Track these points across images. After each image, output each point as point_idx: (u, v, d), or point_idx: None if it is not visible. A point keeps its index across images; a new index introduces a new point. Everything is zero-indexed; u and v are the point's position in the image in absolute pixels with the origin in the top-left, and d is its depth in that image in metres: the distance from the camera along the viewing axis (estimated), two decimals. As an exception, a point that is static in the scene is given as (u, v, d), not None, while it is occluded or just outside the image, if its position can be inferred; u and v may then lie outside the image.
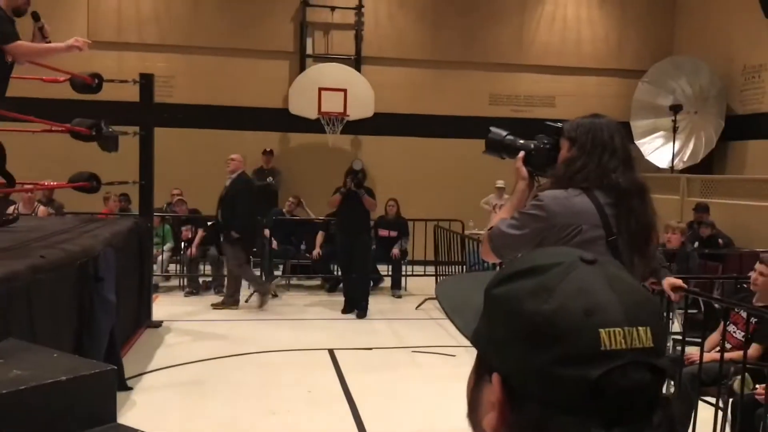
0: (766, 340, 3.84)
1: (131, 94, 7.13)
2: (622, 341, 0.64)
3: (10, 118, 4.92)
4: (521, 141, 2.65)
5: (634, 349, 0.64)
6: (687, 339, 4.19)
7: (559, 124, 2.54)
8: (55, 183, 7.06)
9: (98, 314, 4.64)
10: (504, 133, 2.71)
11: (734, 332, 4.05)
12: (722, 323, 3.98)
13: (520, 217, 2.35)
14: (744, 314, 3.97)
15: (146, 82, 6.94)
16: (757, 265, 4.01)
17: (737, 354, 3.75)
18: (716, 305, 4.74)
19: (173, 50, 11.15)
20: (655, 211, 2.37)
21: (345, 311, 7.80)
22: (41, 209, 8.17)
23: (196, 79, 11.17)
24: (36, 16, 4.39)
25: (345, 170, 7.94)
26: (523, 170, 2.57)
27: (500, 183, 10.05)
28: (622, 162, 2.33)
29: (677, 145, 11.04)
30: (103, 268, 4.84)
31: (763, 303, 3.90)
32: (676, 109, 10.74)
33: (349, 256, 7.76)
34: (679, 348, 4.35)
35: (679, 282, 3.74)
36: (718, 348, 3.90)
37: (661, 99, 11.46)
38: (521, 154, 2.60)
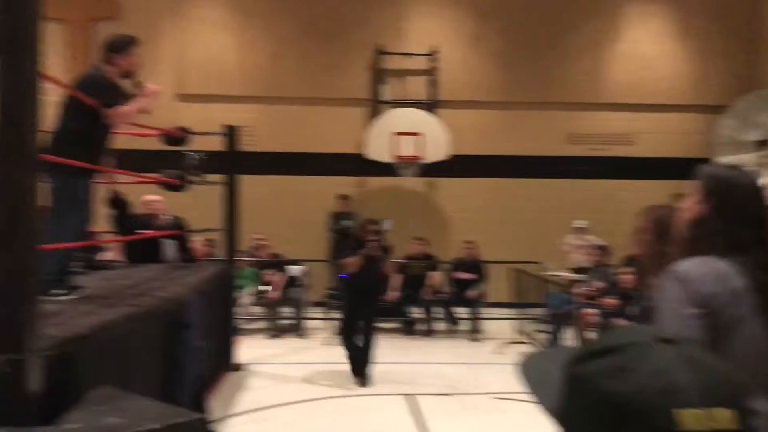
0: None
1: (217, 144, 7.46)
2: (700, 423, 0.65)
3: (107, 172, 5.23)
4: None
5: (714, 431, 0.65)
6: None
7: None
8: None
9: (186, 360, 4.81)
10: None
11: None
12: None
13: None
14: None
15: (231, 133, 7.24)
16: None
17: None
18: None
19: (255, 101, 11.60)
20: None
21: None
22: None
23: (276, 127, 11.56)
24: (139, 85, 4.68)
25: (364, 224, 7.06)
26: None
27: (579, 223, 9.89)
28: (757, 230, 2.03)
29: (766, 181, 10.59)
30: (191, 315, 5.04)
31: None
32: (763, 144, 10.36)
33: (357, 319, 6.84)
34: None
35: None
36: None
37: (746, 134, 11.07)
38: None
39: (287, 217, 11.10)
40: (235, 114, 11.35)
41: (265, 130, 11.53)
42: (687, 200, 2.12)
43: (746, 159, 11.03)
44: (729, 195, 2.04)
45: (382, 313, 9.57)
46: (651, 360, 0.69)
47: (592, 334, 7.10)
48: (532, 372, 0.85)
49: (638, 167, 11.78)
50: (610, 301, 7.06)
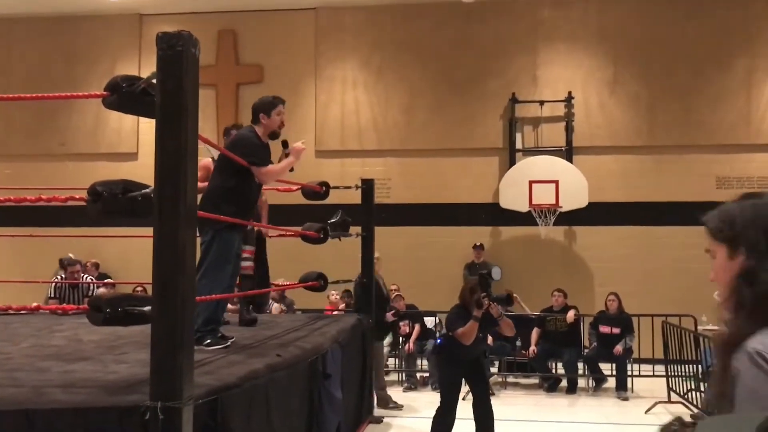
0: None
1: (354, 197, 7.64)
2: None
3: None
4: None
5: None
6: None
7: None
8: (289, 283, 7.65)
9: (326, 410, 4.86)
10: None
11: None
12: None
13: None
14: None
15: (367, 186, 7.41)
16: None
17: None
18: None
19: (390, 154, 11.85)
20: None
21: None
22: (274, 306, 8.87)
23: (410, 179, 11.72)
24: (285, 144, 4.93)
25: (477, 279, 5.88)
26: None
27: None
28: None
29: None
30: (331, 365, 5.10)
31: None
32: None
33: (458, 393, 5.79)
34: None
35: None
36: None
37: None
38: None
39: (422, 267, 11.10)
40: (371, 168, 11.67)
41: (399, 182, 11.71)
42: (714, 257, 1.63)
43: None
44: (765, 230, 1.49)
45: (522, 368, 9.29)
46: None
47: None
48: None
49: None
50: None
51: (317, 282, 6.73)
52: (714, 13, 11.22)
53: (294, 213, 8.28)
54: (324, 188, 6.68)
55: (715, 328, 8.05)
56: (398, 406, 7.77)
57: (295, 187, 6.88)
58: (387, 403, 7.74)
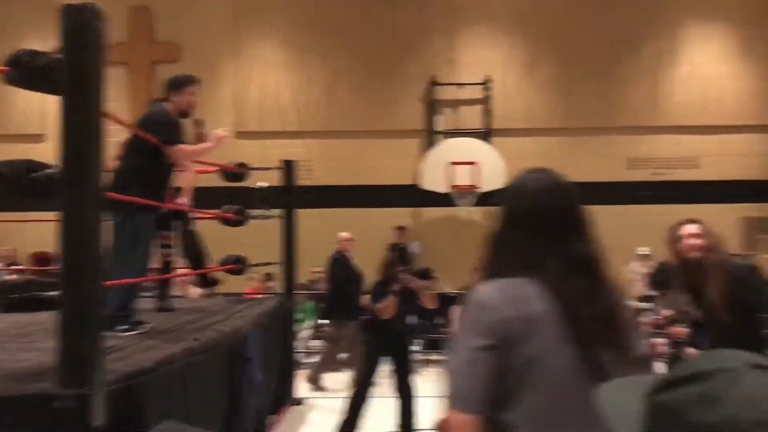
0: None
1: (274, 179, 7.55)
2: None
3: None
4: None
5: None
6: None
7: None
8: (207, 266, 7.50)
9: (246, 394, 4.82)
10: None
11: None
12: None
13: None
14: None
15: (288, 167, 7.34)
16: None
17: None
18: None
19: (311, 136, 11.77)
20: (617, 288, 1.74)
21: None
22: (194, 291, 8.69)
23: (332, 161, 11.68)
24: (199, 123, 4.76)
25: (392, 254, 5.81)
26: None
27: (643, 250, 9.60)
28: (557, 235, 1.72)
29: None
30: (251, 349, 5.05)
31: None
32: (838, 162, 9.91)
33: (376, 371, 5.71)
34: None
35: None
36: None
37: (819, 153, 10.63)
38: None
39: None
40: (293, 149, 11.55)
41: (321, 164, 11.65)
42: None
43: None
44: (518, 201, 1.78)
45: (435, 346, 9.46)
46: (742, 388, 0.62)
47: (661, 365, 6.82)
48: (612, 402, 0.79)
49: (703, 191, 11.40)
50: (680, 329, 6.78)
51: (236, 265, 6.63)
52: (624, -2, 11.61)
53: (213, 195, 8.13)
54: (243, 169, 6.57)
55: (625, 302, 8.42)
56: (322, 388, 7.81)
57: (213, 169, 6.74)
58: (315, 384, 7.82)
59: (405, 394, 5.73)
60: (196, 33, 11.73)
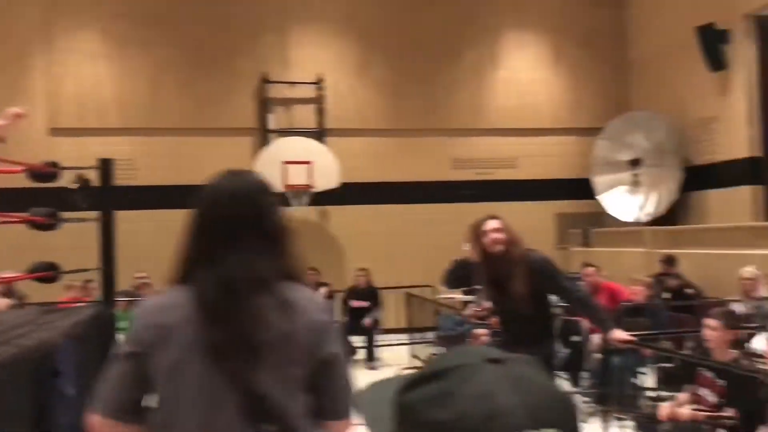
0: (740, 402, 3.62)
1: (93, 179, 7.06)
2: None
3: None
4: None
5: None
6: (663, 394, 4.14)
7: None
8: (14, 275, 6.89)
9: (57, 410, 4.46)
10: None
11: (706, 395, 3.91)
12: (692, 380, 3.92)
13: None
14: (709, 374, 3.85)
15: (104, 166, 6.88)
16: (706, 320, 3.92)
17: (712, 415, 3.67)
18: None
19: (135, 133, 11.18)
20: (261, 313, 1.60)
21: None
22: (1, 302, 7.95)
23: (158, 160, 11.17)
24: None
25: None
26: None
27: (467, 246, 10.06)
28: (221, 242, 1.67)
29: (640, 198, 11.22)
30: (62, 362, 4.68)
31: (720, 359, 3.81)
32: (635, 163, 10.98)
33: None
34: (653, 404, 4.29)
35: (626, 336, 3.76)
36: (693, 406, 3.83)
37: (620, 154, 11.71)
38: None
39: (171, 253, 10.67)
40: (115, 147, 10.90)
41: (146, 163, 11.11)
42: None
43: (622, 177, 11.67)
44: (203, 205, 1.78)
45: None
46: (475, 383, 0.63)
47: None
48: (370, 403, 0.78)
49: (521, 189, 12.19)
50: (496, 320, 7.17)
51: (48, 273, 6.12)
52: (448, 2, 12.10)
53: (21, 197, 7.48)
54: (53, 168, 6.07)
55: (450, 296, 8.79)
56: None
57: (18, 168, 6.17)
58: None
59: None
60: (3, 21, 10.72)
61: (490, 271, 3.78)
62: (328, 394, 1.64)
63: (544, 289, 3.75)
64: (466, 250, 10.58)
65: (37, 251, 7.32)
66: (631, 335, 5.02)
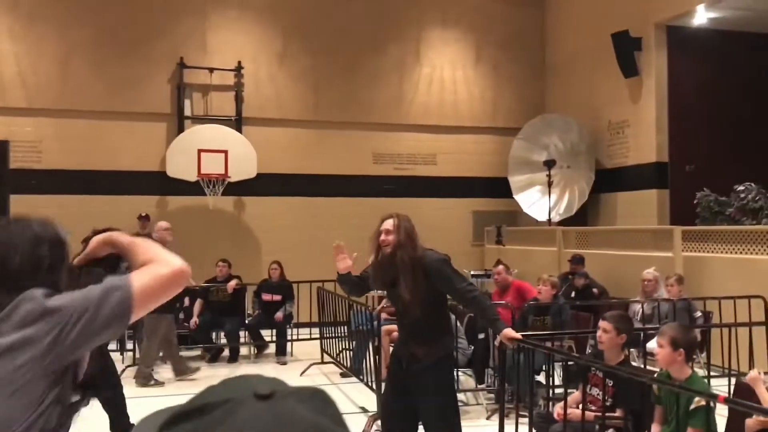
0: (626, 402, 3.77)
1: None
2: None
3: None
4: None
5: None
6: (561, 393, 4.21)
7: None
8: None
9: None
10: None
11: (597, 394, 4.03)
12: (581, 384, 4.00)
13: None
14: (601, 374, 3.97)
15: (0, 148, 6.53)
16: (601, 323, 4.02)
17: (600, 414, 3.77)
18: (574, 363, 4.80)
19: (42, 114, 10.65)
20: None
21: None
22: None
23: (67, 143, 10.68)
24: None
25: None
26: None
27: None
28: None
29: (553, 198, 11.48)
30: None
31: (612, 362, 3.92)
32: (549, 164, 11.22)
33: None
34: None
35: (515, 334, 3.82)
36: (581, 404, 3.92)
37: (535, 155, 11.96)
38: None
39: (76, 241, 10.25)
40: (19, 128, 10.39)
41: (53, 146, 10.62)
42: None
43: (536, 178, 11.91)
44: None
45: (184, 341, 9.09)
46: (236, 420, 0.57)
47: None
48: None
49: (440, 186, 12.29)
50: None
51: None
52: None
53: None
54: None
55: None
56: (159, 383, 7.52)
57: None
58: (148, 380, 7.46)
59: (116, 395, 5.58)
60: None
61: (381, 272, 3.75)
62: None
63: (440, 289, 3.74)
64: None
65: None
66: (532, 334, 5.12)
